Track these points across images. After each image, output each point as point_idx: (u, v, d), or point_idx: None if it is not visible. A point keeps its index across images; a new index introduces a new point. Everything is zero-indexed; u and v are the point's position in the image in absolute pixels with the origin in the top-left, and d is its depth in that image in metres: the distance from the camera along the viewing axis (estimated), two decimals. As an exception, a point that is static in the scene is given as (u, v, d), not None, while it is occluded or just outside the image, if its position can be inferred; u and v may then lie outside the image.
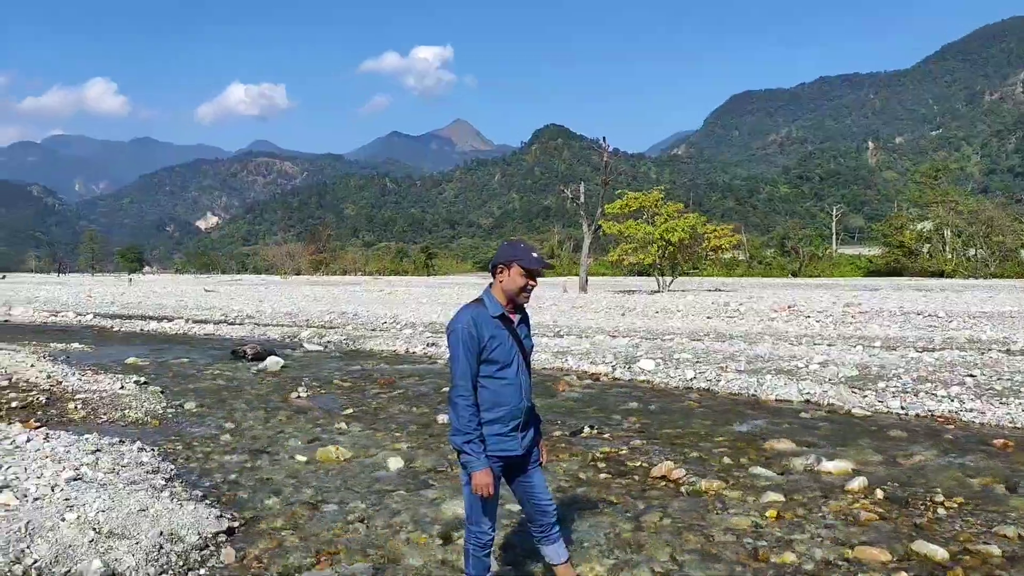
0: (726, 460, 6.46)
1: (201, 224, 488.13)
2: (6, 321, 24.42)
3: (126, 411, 8.55)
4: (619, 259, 40.94)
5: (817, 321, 18.97)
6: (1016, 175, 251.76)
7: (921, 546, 4.45)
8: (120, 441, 6.76)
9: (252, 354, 13.57)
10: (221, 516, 4.92)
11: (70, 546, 4.09)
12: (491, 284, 3.60)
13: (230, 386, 10.75)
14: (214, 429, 7.87)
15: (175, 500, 5.06)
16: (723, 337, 15.88)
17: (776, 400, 9.33)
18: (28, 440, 6.23)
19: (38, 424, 7.50)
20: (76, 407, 8.61)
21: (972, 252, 66.05)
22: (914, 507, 5.24)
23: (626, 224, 38.84)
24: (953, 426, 7.75)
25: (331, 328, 19.72)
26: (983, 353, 12.58)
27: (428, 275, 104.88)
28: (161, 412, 8.71)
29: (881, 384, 9.80)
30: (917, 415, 8.27)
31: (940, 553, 4.34)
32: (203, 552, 4.44)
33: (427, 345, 15.19)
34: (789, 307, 23.49)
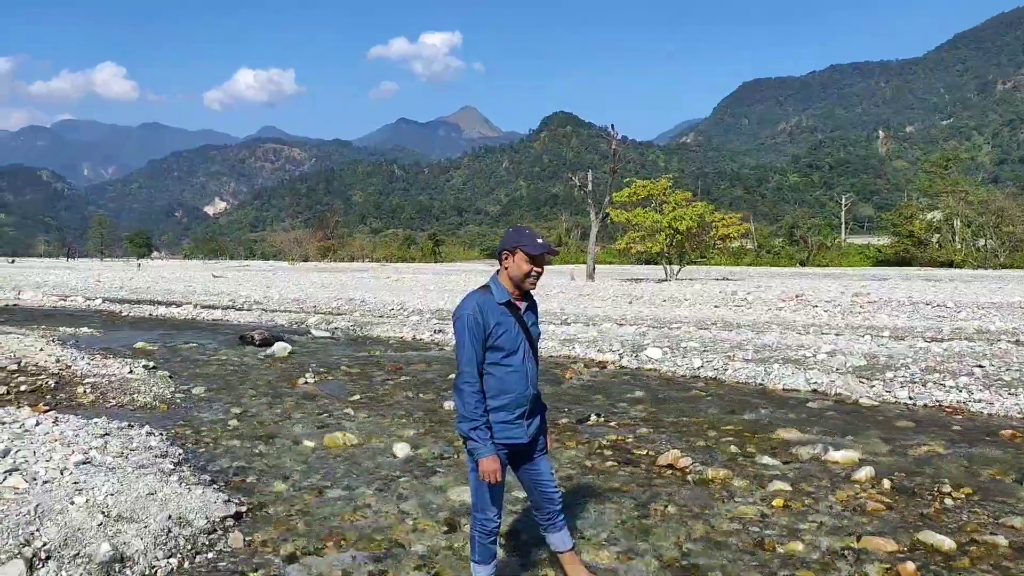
0: (733, 449, 6.46)
1: (209, 210, 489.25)
2: (15, 305, 24.53)
3: (135, 395, 8.59)
4: (627, 247, 40.88)
5: (825, 311, 18.90)
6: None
7: (928, 536, 4.44)
8: (129, 425, 6.80)
9: (260, 340, 13.62)
10: (229, 501, 4.95)
11: (79, 529, 4.11)
12: (498, 271, 3.59)
13: (238, 371, 10.79)
14: (222, 414, 7.90)
15: (183, 484, 5.08)
16: (730, 326, 15.85)
17: (783, 389, 9.31)
18: (37, 424, 6.26)
19: (47, 408, 7.54)
20: (85, 391, 8.65)
21: (982, 242, 65.63)
22: (921, 497, 5.22)
23: (634, 212, 38.74)
24: (961, 416, 7.72)
25: (338, 315, 19.76)
26: (992, 344, 12.51)
27: (435, 262, 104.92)
28: (169, 397, 8.75)
29: (889, 374, 9.77)
30: (925, 405, 8.24)
31: (947, 543, 4.33)
32: (211, 536, 4.46)
33: (434, 332, 15.21)
34: (797, 296, 23.42)
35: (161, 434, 6.73)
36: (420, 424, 7.46)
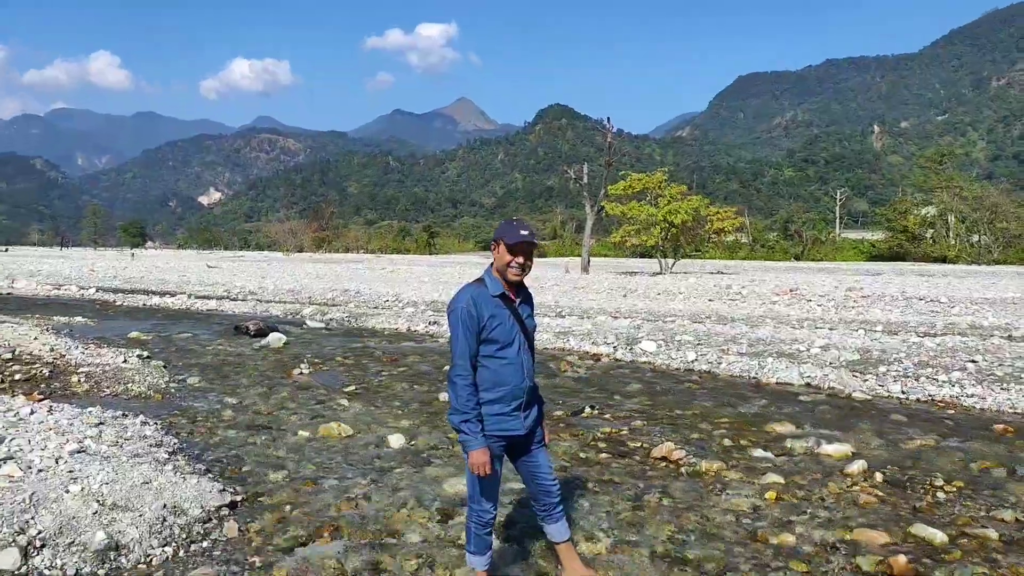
0: (726, 442, 6.48)
1: (204, 200, 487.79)
2: (9, 294, 24.45)
3: (129, 385, 8.59)
4: (622, 240, 40.87)
5: (819, 305, 18.96)
6: (1021, 162, 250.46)
7: (920, 529, 4.48)
8: (123, 414, 6.80)
9: (255, 330, 13.59)
10: (224, 490, 4.95)
11: (74, 518, 4.12)
12: (492, 264, 3.60)
13: (233, 361, 10.77)
14: (217, 404, 7.90)
15: (178, 473, 5.09)
16: (725, 320, 15.89)
17: (777, 383, 9.35)
18: (32, 412, 6.25)
19: (42, 396, 7.53)
20: (79, 380, 8.64)
21: (976, 238, 65.76)
22: (913, 491, 5.26)
23: (629, 205, 38.73)
24: (953, 411, 7.77)
25: (333, 305, 19.75)
26: (985, 339, 12.58)
27: (430, 254, 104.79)
28: (164, 386, 8.74)
29: (882, 368, 9.82)
30: (918, 399, 8.28)
31: (939, 536, 4.37)
32: (206, 525, 4.47)
33: (429, 323, 15.21)
34: (791, 291, 23.47)
35: (156, 423, 6.73)
36: (415, 415, 7.48)
